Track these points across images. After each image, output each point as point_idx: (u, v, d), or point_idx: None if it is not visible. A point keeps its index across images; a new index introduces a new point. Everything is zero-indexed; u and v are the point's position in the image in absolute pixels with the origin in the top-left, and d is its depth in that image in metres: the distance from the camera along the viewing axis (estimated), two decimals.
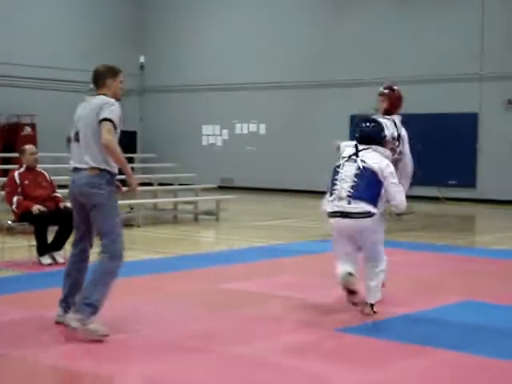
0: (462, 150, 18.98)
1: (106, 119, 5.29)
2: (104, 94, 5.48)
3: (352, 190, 5.95)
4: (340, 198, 5.98)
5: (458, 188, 18.95)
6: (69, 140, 5.61)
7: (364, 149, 6.13)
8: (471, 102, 18.86)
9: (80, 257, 5.63)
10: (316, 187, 19.33)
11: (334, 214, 6.06)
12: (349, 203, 5.95)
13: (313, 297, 6.92)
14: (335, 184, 6.06)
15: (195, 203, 14.25)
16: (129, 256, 9.36)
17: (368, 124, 6.30)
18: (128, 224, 12.90)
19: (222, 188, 19.48)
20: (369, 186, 5.98)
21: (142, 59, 24.12)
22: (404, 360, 4.93)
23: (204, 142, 23.29)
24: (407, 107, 21.38)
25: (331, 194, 6.08)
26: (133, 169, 20.07)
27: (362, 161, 6.03)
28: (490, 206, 17.79)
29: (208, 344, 5.24)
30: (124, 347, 5.16)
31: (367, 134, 6.23)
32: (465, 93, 18.94)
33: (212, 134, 23.11)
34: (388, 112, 6.91)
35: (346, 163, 6.10)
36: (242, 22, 22.49)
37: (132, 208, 12.97)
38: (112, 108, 5.33)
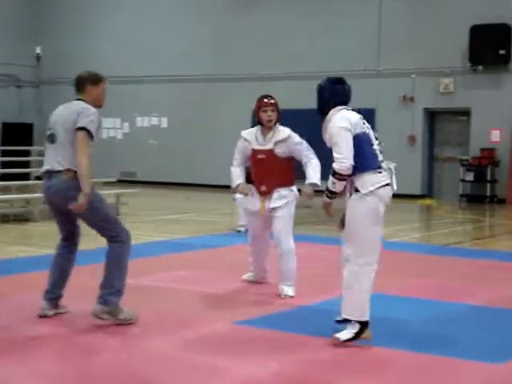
0: None
1: (82, 128, 5.33)
2: (83, 100, 5.51)
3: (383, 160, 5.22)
4: (385, 170, 5.15)
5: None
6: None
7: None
8: (369, 97, 19.30)
9: (68, 248, 5.71)
10: (218, 181, 19.42)
11: (386, 186, 5.12)
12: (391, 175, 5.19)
13: (212, 290, 6.94)
14: (375, 153, 5.16)
15: None
16: (26, 251, 9.23)
17: (344, 82, 5.43)
18: (24, 219, 12.60)
19: (123, 182, 19.24)
20: None
21: (38, 50, 23.50)
22: (300, 351, 5.00)
23: (104, 136, 22.90)
24: (306, 102, 21.68)
25: (376, 166, 5.11)
26: (29, 162, 19.58)
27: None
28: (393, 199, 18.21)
29: (105, 339, 5.16)
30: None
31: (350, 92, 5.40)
32: (362, 89, 19.33)
33: (112, 128, 22.76)
34: None
35: (368, 130, 5.24)
36: (143, 15, 22.26)
37: (28, 202, 12.62)
38: (91, 117, 5.36)
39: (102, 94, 5.60)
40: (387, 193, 5.13)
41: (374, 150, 5.17)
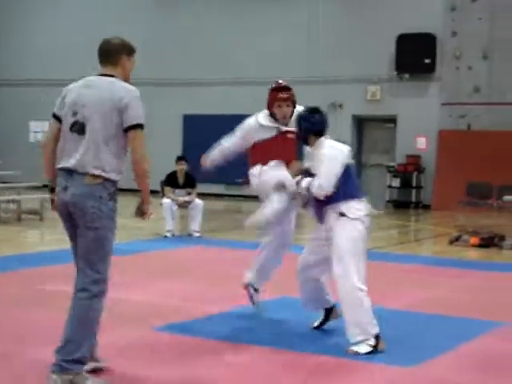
0: None
1: (139, 125, 4.21)
2: (114, 76, 4.30)
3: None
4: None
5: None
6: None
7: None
8: (299, 104, 19.43)
9: (83, 287, 4.38)
10: (151, 186, 19.25)
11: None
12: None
13: (134, 296, 6.88)
14: (355, 185, 5.37)
15: (18, 202, 13.74)
16: None
17: (320, 111, 5.52)
18: None
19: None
20: None
21: None
22: (219, 357, 5.00)
23: (31, 139, 22.50)
24: (239, 107, 21.72)
25: (360, 195, 5.36)
26: None
27: None
28: None
29: (16, 347, 5.06)
30: None
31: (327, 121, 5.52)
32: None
33: (40, 131, 22.34)
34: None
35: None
36: (71, 17, 21.96)
37: None
38: (140, 104, 4.26)
39: (132, 68, 4.45)
40: (368, 221, 5.34)
41: (356, 180, 5.41)
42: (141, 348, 5.15)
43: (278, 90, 5.94)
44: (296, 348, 5.20)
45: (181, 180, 11.53)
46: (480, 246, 11.08)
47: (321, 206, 5.31)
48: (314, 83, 19.42)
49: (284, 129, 5.93)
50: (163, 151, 18.18)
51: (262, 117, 6.06)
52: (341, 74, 18.95)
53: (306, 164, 5.48)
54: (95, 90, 4.23)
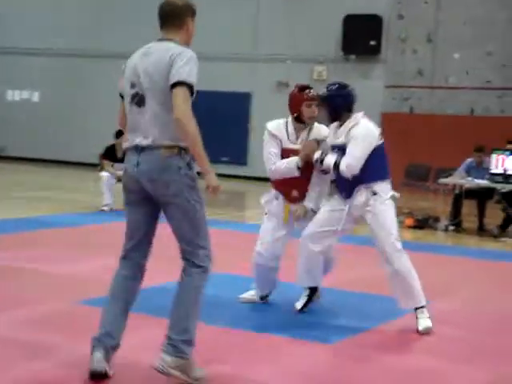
0: (235, 128, 19.57)
1: (182, 82, 3.78)
2: (173, 40, 3.95)
3: None
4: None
5: (230, 165, 19.52)
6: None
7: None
8: (245, 81, 19.46)
9: (135, 273, 4.15)
10: (90, 160, 19.05)
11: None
12: None
13: (60, 269, 6.83)
14: (387, 166, 5.51)
15: None
16: None
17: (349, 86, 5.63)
18: None
19: None
20: None
21: None
22: (144, 330, 5.00)
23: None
24: None
25: (388, 178, 5.48)
26: None
27: None
28: (260, 183, 18.48)
29: None
30: None
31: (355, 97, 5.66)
32: (239, 73, 19.50)
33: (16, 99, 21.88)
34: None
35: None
36: None
37: None
38: (192, 64, 3.84)
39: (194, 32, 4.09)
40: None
41: (387, 161, 5.48)
42: (61, 321, 5.12)
43: (304, 88, 5.67)
44: (219, 323, 5.23)
45: (120, 153, 11.43)
46: (415, 227, 11.27)
47: (353, 183, 5.36)
48: (261, 61, 19.40)
49: (286, 147, 5.66)
50: (104, 124, 17.94)
51: (272, 126, 5.78)
52: (287, 53, 18.95)
53: (329, 140, 5.50)
54: (152, 58, 3.89)
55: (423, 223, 11.39)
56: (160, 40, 4.00)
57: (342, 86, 5.54)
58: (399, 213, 11.58)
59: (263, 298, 5.96)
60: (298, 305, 5.69)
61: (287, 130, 5.71)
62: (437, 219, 11.50)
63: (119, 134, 11.57)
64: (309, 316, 5.63)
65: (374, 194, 5.34)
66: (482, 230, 11.30)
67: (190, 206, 3.92)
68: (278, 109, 21.25)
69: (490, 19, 17.38)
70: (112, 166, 11.41)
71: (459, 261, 8.77)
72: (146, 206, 4.05)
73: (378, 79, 18.35)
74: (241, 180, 18.77)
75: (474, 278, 7.71)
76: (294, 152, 5.60)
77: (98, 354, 3.94)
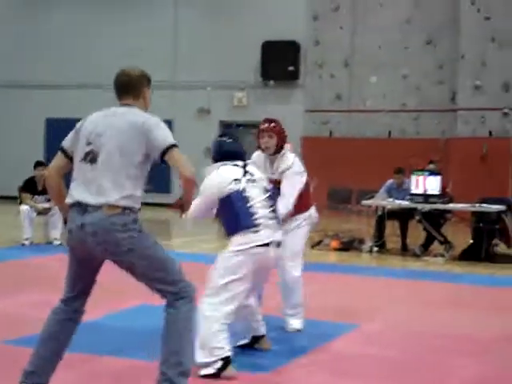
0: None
1: (173, 145, 3.87)
2: (136, 107, 4.09)
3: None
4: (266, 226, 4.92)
5: (154, 193, 19.33)
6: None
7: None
8: (166, 109, 19.37)
9: (73, 315, 4.15)
10: (6, 192, 18.59)
11: (263, 246, 4.87)
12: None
13: None
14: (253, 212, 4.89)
15: None
16: None
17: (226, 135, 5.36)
18: None
19: None
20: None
21: None
22: (65, 370, 4.85)
23: None
24: (94, 111, 21.24)
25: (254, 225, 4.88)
26: None
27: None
28: None
29: None
30: None
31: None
32: (160, 100, 19.39)
33: None
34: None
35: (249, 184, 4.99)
36: None
37: None
38: (164, 126, 3.96)
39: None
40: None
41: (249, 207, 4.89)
42: None
43: (263, 121, 5.99)
44: (142, 357, 5.12)
45: (40, 186, 11.16)
46: (340, 249, 11.39)
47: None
48: (181, 88, 19.42)
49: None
50: (24, 156, 17.61)
51: (255, 156, 6.03)
52: (208, 79, 19.01)
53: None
54: (117, 119, 3.98)
55: (348, 245, 11.52)
56: (122, 105, 4.12)
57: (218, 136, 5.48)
58: (324, 236, 11.75)
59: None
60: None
61: (265, 162, 5.90)
62: (361, 241, 11.65)
63: (37, 164, 11.31)
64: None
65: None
66: (405, 250, 11.50)
67: (149, 252, 3.94)
68: (200, 136, 21.46)
69: (404, 43, 17.87)
70: (32, 198, 11.13)
71: (385, 281, 8.89)
72: (91, 261, 4.06)
73: (298, 104, 18.58)
74: (165, 208, 18.62)
75: (400, 298, 7.81)
76: (272, 182, 5.53)
77: None
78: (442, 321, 6.67)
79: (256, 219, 4.87)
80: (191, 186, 3.92)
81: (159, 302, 6.71)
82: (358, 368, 5.15)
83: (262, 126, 5.92)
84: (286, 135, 5.95)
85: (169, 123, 20.26)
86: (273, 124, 5.92)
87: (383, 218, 11.49)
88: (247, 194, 4.91)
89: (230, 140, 5.25)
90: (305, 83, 18.65)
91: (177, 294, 3.95)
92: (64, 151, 4.12)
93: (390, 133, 18.02)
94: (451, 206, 11.18)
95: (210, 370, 4.79)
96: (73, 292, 4.12)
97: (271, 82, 18.60)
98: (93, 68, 19.78)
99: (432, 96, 17.64)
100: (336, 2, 18.34)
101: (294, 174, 5.86)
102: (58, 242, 11.07)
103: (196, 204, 5.00)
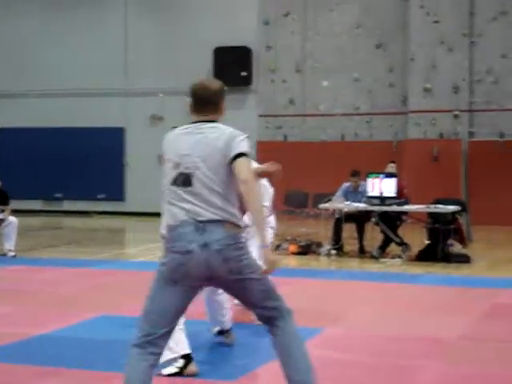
0: (110, 164, 19.25)
1: (242, 153, 3.78)
2: (215, 121, 3.96)
3: None
4: None
5: (108, 202, 19.16)
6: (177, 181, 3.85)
7: None
8: (118, 116, 19.23)
9: (153, 356, 3.72)
10: None
11: None
12: None
13: None
14: None
15: None
16: None
17: None
18: None
19: None
20: None
21: None
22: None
23: None
24: (55, 120, 21.29)
25: None
26: None
27: None
28: (137, 218, 18.22)
29: None
30: None
31: None
32: (111, 107, 19.24)
33: None
34: None
35: None
36: None
37: None
38: (245, 140, 3.85)
39: None
40: None
41: None
42: None
43: None
44: (107, 369, 5.03)
45: None
46: (299, 253, 11.40)
47: None
48: (133, 95, 19.27)
49: None
50: None
51: None
52: (160, 86, 18.89)
53: None
54: (200, 136, 3.86)
55: (306, 249, 11.54)
56: (202, 122, 3.95)
57: None
58: (282, 240, 11.75)
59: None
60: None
61: None
62: (319, 244, 11.68)
63: None
64: (203, 353, 5.52)
65: None
66: (362, 253, 11.56)
67: (258, 270, 3.80)
68: (153, 143, 21.22)
69: (355, 47, 18.02)
70: None
71: (345, 284, 8.91)
72: (194, 290, 3.79)
73: (251, 109, 18.58)
74: (119, 216, 18.44)
75: (361, 300, 7.83)
76: None
77: None
78: (404, 322, 6.71)
79: None
80: (248, 193, 3.73)
81: (119, 312, 6.67)
82: (323, 373, 5.12)
83: None
84: None
85: (121, 131, 20.42)
86: None
87: (340, 221, 11.54)
88: None
89: None
90: (258, 88, 18.66)
91: (284, 309, 3.91)
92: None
93: (343, 136, 18.14)
94: (407, 207, 11.29)
95: (172, 370, 4.82)
96: (162, 329, 3.69)
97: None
98: (47, 76, 19.55)
99: (384, 99, 17.82)
100: (287, 8, 18.40)
101: None
102: (12, 254, 10.86)
103: None
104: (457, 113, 17.18)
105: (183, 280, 3.68)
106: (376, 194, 11.23)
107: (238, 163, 3.75)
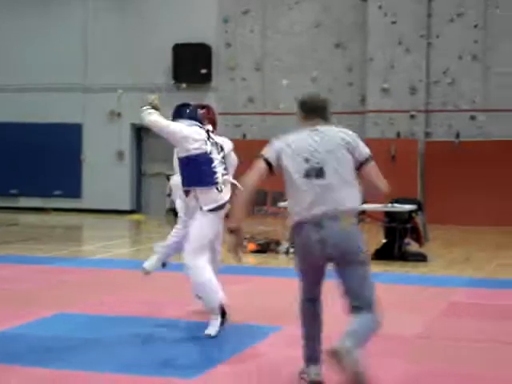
0: (67, 160, 19.03)
1: (372, 158, 4.79)
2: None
3: None
4: None
5: (64, 198, 18.94)
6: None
7: None
8: (75, 112, 19.02)
9: (317, 306, 5.05)
10: None
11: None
12: None
13: None
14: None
15: None
16: None
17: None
18: None
19: None
20: None
21: None
22: None
23: None
24: (10, 115, 21.09)
25: None
26: None
27: None
28: (95, 215, 18.06)
29: None
30: None
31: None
32: (69, 103, 19.03)
33: None
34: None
35: None
36: None
37: None
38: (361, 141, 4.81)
39: None
40: None
41: None
42: None
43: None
44: (66, 367, 4.98)
45: None
46: (257, 251, 11.40)
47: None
48: (91, 92, 19.09)
49: None
50: None
51: None
52: (118, 82, 18.73)
53: None
54: (326, 136, 4.64)
55: (265, 247, 11.55)
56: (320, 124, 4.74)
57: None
58: None
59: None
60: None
61: None
62: (278, 242, 11.70)
63: None
64: (164, 351, 5.49)
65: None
66: None
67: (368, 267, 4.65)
68: (110, 139, 21.16)
69: (314, 46, 18.09)
70: None
71: None
72: (321, 270, 4.80)
73: (212, 105, 18.49)
74: (75, 213, 18.25)
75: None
76: None
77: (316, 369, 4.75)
78: None
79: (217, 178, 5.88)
80: (380, 193, 4.77)
81: (75, 310, 6.62)
82: (283, 370, 5.14)
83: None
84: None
85: (79, 127, 20.21)
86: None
87: None
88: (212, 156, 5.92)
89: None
90: (217, 86, 18.63)
91: (374, 303, 4.59)
92: (268, 163, 4.81)
93: None
94: (365, 206, 11.35)
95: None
96: (315, 291, 4.89)
97: (183, 85, 18.46)
98: (9, 71, 19.31)
99: (343, 98, 17.91)
100: (246, 5, 18.40)
101: None
102: None
103: None
104: (414, 113, 17.37)
105: (317, 260, 4.69)
106: None
107: (374, 167, 4.82)
